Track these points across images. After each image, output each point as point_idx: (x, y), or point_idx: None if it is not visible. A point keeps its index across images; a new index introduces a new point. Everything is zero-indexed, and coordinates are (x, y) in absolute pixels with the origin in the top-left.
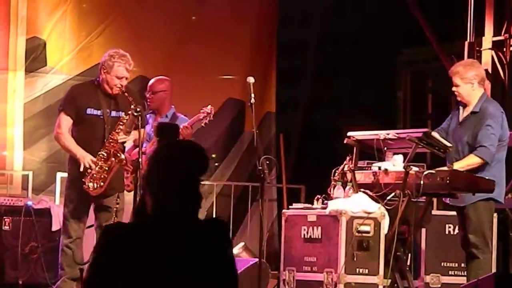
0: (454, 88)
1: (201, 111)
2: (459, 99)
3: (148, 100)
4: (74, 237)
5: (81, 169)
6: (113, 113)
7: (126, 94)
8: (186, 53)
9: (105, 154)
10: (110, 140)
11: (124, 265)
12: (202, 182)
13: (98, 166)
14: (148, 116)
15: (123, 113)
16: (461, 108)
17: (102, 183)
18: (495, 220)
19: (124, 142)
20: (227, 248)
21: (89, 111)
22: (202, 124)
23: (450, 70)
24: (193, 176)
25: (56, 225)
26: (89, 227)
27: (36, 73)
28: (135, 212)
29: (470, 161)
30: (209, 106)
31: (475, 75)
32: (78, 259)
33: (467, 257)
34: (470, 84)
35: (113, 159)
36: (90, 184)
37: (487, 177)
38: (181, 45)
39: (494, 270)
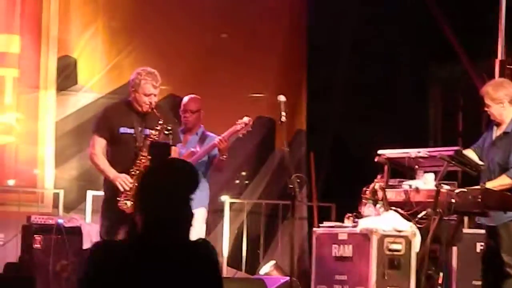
0: (486, 108)
1: (238, 122)
2: (492, 118)
3: (185, 119)
4: None
5: (121, 189)
6: (146, 131)
7: (155, 110)
8: (215, 71)
9: (137, 171)
10: (141, 157)
11: (112, 283)
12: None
13: (131, 184)
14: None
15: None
16: (495, 127)
17: None
18: None
19: None
20: (215, 269)
21: (122, 130)
22: (240, 135)
23: (481, 90)
24: (183, 195)
25: (87, 243)
26: None
27: (67, 92)
28: (126, 233)
29: (502, 182)
30: (246, 118)
31: (505, 95)
32: None
33: (489, 273)
34: (500, 104)
35: None
36: (124, 202)
37: None
38: (211, 63)
39: None
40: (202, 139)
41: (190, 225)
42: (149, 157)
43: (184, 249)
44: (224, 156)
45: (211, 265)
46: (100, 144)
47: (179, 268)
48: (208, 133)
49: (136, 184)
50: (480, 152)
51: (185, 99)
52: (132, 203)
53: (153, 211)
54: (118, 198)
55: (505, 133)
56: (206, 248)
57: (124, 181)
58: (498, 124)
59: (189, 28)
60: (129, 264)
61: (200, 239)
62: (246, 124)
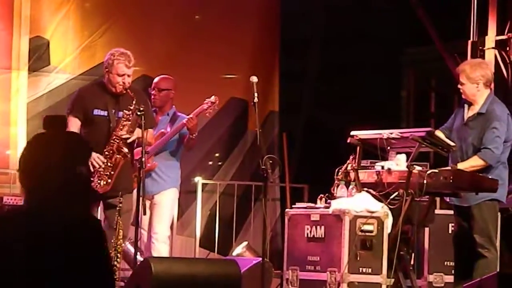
0: (459, 86)
1: (205, 101)
2: (463, 97)
3: (153, 97)
4: None
5: (91, 168)
6: (119, 114)
7: (128, 91)
8: (189, 52)
9: (110, 151)
10: (114, 137)
11: None
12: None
13: (104, 163)
14: None
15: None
16: (466, 106)
17: (109, 180)
18: (499, 220)
19: (127, 139)
20: (101, 247)
21: (96, 112)
22: (207, 114)
23: (458, 67)
24: (68, 167)
25: None
26: None
27: (40, 73)
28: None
29: (474, 163)
30: (213, 96)
31: (482, 76)
32: None
33: (465, 257)
34: (475, 84)
35: (118, 155)
36: (98, 181)
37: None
38: (184, 44)
39: (497, 269)
40: (173, 119)
41: (83, 198)
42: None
43: (67, 226)
44: (194, 135)
45: (94, 245)
46: (74, 125)
47: (58, 244)
48: (179, 113)
49: (109, 164)
50: (449, 134)
51: (157, 78)
52: (105, 182)
53: (34, 183)
54: (91, 178)
55: (479, 113)
56: (92, 228)
57: (96, 160)
58: (470, 104)
59: (162, 9)
60: (6, 237)
61: (91, 218)
62: (212, 103)
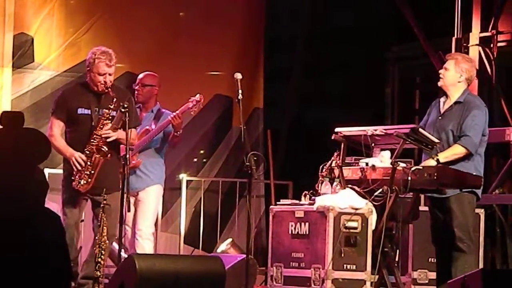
0: (442, 71)
1: (190, 100)
2: (440, 84)
3: (136, 93)
4: (70, 231)
5: (73, 168)
6: (101, 112)
7: (109, 90)
8: (174, 49)
9: (90, 151)
10: (94, 136)
11: None
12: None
13: (84, 162)
14: None
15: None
16: (441, 100)
17: (89, 179)
18: (482, 216)
19: (107, 138)
20: (59, 238)
21: (79, 111)
22: (191, 113)
23: (449, 54)
24: (29, 163)
25: None
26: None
27: (24, 69)
28: None
29: (455, 151)
30: (198, 95)
31: (468, 69)
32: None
33: (443, 251)
34: (459, 74)
35: (97, 155)
36: (79, 181)
37: (467, 169)
38: (169, 41)
39: (481, 265)
40: (158, 116)
41: (40, 194)
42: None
43: (27, 221)
44: (179, 133)
45: (52, 241)
46: (57, 126)
47: (17, 240)
48: (164, 110)
49: (89, 163)
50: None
51: (141, 74)
52: (85, 182)
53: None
54: (72, 178)
55: (456, 102)
56: (49, 216)
57: (78, 160)
58: (445, 98)
59: (147, 6)
60: None
61: (46, 208)
62: (197, 102)
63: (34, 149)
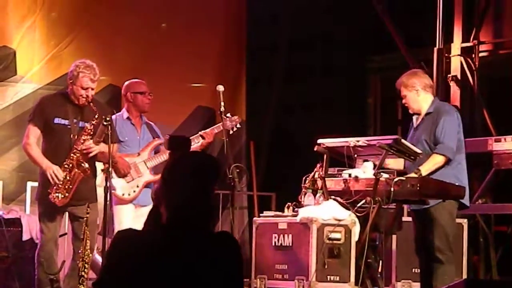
0: (403, 101)
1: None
2: (410, 111)
3: (147, 102)
4: (48, 247)
5: (51, 181)
6: (81, 124)
7: (91, 104)
8: (156, 61)
9: (70, 165)
10: (74, 151)
11: (135, 271)
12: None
13: (63, 177)
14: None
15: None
16: (414, 118)
17: (67, 194)
18: (465, 226)
19: (89, 154)
20: (240, 262)
21: (56, 120)
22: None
23: (396, 83)
24: (208, 185)
25: (26, 235)
26: (61, 235)
27: (6, 83)
28: (146, 223)
29: (435, 161)
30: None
31: (417, 82)
32: (50, 270)
33: (425, 261)
34: (414, 91)
35: (76, 169)
36: (56, 195)
37: (447, 177)
38: (151, 53)
39: (465, 275)
40: (150, 128)
41: (212, 217)
42: (169, 150)
43: (209, 240)
44: None
45: (235, 256)
46: (34, 134)
47: (204, 258)
48: (149, 122)
49: (68, 177)
50: None
51: (136, 83)
52: (63, 196)
53: (178, 202)
54: (49, 191)
55: (427, 114)
56: (230, 239)
57: (55, 173)
58: (418, 114)
59: (129, 18)
60: (153, 254)
61: (223, 231)
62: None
63: (209, 172)
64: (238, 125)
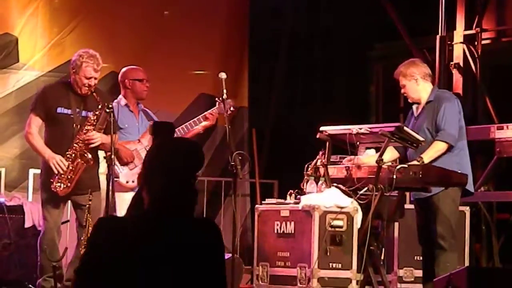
0: (402, 90)
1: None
2: (410, 100)
3: (145, 89)
4: (50, 234)
5: (54, 171)
6: (83, 113)
7: (94, 94)
8: (158, 49)
9: (72, 155)
10: (77, 141)
11: (117, 257)
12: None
13: (66, 167)
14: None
15: (92, 113)
16: (413, 107)
17: (69, 184)
18: (467, 214)
19: (92, 143)
20: (221, 249)
21: (59, 110)
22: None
23: (394, 73)
24: (191, 172)
25: (29, 222)
26: (63, 222)
27: (8, 70)
28: (130, 209)
29: (436, 148)
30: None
31: (416, 71)
32: (52, 257)
33: (427, 249)
34: (413, 80)
35: (79, 160)
36: (58, 185)
37: (448, 164)
38: (153, 40)
39: (467, 263)
40: (147, 116)
41: (195, 203)
42: (152, 136)
43: (190, 225)
44: None
45: (216, 241)
46: (36, 123)
47: (185, 243)
48: (145, 108)
49: (70, 167)
50: None
51: (134, 70)
52: (65, 186)
53: (162, 185)
54: (51, 180)
55: (428, 102)
56: (211, 225)
57: (59, 163)
58: (417, 104)
59: (131, 5)
60: (134, 239)
61: (206, 218)
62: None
63: (193, 158)
64: (232, 108)
